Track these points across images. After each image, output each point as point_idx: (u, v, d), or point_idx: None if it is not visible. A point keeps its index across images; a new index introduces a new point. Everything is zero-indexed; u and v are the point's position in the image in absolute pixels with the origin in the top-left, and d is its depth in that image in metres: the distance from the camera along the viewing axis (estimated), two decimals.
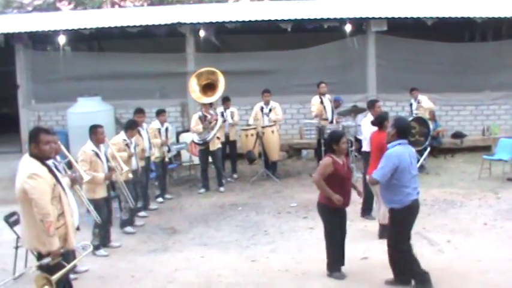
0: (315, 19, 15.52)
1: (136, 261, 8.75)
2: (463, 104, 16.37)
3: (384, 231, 8.90)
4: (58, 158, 7.05)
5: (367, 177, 8.19)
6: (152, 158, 11.95)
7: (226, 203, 11.98)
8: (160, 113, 12.48)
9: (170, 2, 27.34)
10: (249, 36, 17.33)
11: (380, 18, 15.46)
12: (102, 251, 9.03)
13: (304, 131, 16.10)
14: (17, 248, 8.09)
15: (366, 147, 10.07)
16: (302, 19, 15.51)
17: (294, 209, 11.28)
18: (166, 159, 12.64)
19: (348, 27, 15.67)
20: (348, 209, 7.88)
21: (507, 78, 16.02)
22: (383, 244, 7.38)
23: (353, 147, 13.04)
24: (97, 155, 9.03)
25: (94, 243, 8.58)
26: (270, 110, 13.91)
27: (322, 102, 14.05)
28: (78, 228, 6.76)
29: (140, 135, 11.22)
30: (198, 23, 15.69)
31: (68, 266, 5.92)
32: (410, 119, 13.43)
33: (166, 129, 12.49)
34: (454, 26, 16.49)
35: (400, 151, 6.81)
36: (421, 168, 13.51)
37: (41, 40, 17.14)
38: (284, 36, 16.49)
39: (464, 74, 15.86)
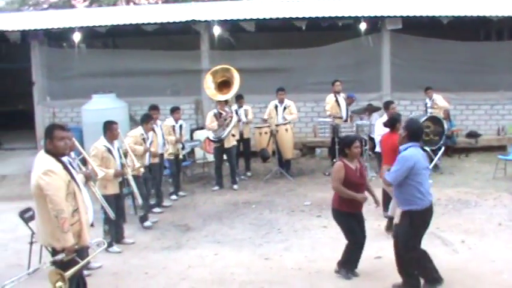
0: (330, 17, 15.47)
1: (150, 258, 8.78)
2: (478, 103, 16.27)
3: (390, 225, 8.99)
4: (72, 154, 7.08)
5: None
6: (166, 155, 11.98)
7: (239, 201, 11.98)
8: (174, 110, 12.50)
9: (185, 0, 27.40)
10: (264, 34, 17.31)
11: (395, 16, 15.40)
12: (115, 248, 9.07)
13: (318, 129, 16.03)
14: (31, 243, 8.16)
15: (378, 147, 10.09)
16: (317, 17, 15.47)
17: (307, 207, 11.26)
18: (180, 157, 12.66)
19: (363, 26, 15.59)
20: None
21: None
22: None
23: (367, 146, 13.01)
24: (109, 151, 9.07)
25: (106, 240, 8.61)
26: (285, 108, 13.89)
27: (336, 100, 14.05)
28: (92, 225, 6.80)
29: (154, 131, 11.26)
30: (213, 21, 15.68)
31: (82, 263, 5.94)
32: (425, 118, 13.37)
33: (181, 127, 12.52)
34: (470, 24, 16.41)
35: (414, 152, 6.75)
36: (436, 167, 13.48)
37: (56, 37, 17.23)
38: (299, 34, 16.45)
39: (479, 73, 15.74)
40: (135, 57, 16.72)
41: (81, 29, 15.83)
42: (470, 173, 13.67)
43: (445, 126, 13.71)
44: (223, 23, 15.72)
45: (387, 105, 11.01)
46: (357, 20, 15.53)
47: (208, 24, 15.85)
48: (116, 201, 9.06)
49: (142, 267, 8.39)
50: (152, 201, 11.21)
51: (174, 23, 15.67)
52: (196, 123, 16.44)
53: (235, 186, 13.04)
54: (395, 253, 7.06)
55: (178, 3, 22.43)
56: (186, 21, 15.66)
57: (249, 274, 7.93)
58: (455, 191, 12.00)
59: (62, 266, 5.68)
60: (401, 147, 6.91)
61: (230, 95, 13.09)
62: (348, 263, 7.64)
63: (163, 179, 12.13)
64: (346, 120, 13.93)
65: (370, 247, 8.31)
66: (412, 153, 6.74)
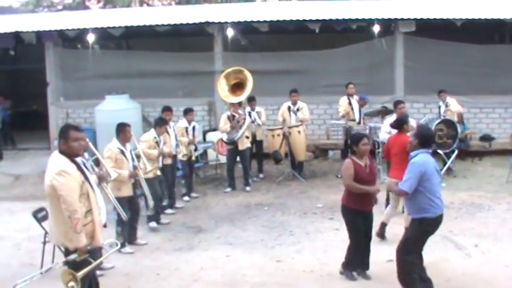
0: (343, 19, 15.44)
1: (162, 259, 8.80)
2: (492, 106, 16.16)
3: (382, 231, 8.96)
4: (86, 155, 7.10)
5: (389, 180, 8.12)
6: (179, 156, 12.00)
7: (252, 203, 11.98)
8: (187, 112, 12.51)
9: (198, 1, 27.47)
10: (277, 35, 17.31)
11: (408, 19, 15.32)
12: (127, 249, 9.09)
13: (331, 132, 16.00)
14: (44, 243, 8.20)
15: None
16: (330, 19, 15.45)
17: (319, 209, 11.24)
18: (193, 158, 12.68)
19: (376, 28, 15.57)
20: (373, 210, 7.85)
21: None
22: None
23: (380, 149, 12.96)
24: (122, 153, 9.09)
25: (118, 241, 8.63)
26: (298, 110, 13.88)
27: (350, 103, 14.01)
28: (105, 226, 6.81)
29: (167, 133, 11.29)
30: (226, 22, 15.70)
31: (94, 263, 5.95)
32: (438, 121, 13.31)
33: (194, 128, 12.53)
34: (484, 27, 16.31)
35: (425, 158, 6.68)
36: (449, 171, 13.43)
37: (70, 38, 17.31)
38: (312, 36, 16.45)
39: (493, 76, 15.64)
40: (148, 59, 16.78)
41: (95, 30, 15.91)
42: (484, 176, 13.60)
43: (459, 129, 13.62)
44: (236, 24, 15.72)
45: (396, 105, 11.02)
46: (371, 22, 15.49)
47: (221, 25, 15.87)
48: (129, 203, 9.09)
49: (154, 268, 8.40)
50: (164, 203, 11.23)
51: (187, 24, 15.68)
52: (209, 124, 16.46)
53: (247, 188, 13.04)
54: (396, 259, 7.01)
55: (192, 5, 22.53)
56: (200, 23, 15.68)
57: (261, 276, 7.93)
58: (468, 194, 11.94)
59: (75, 266, 5.70)
60: (412, 154, 6.86)
61: (243, 96, 13.09)
62: (351, 264, 7.65)
63: (175, 180, 12.12)
64: (359, 123, 13.89)
65: (382, 250, 8.31)
66: (423, 159, 6.67)
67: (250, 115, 13.67)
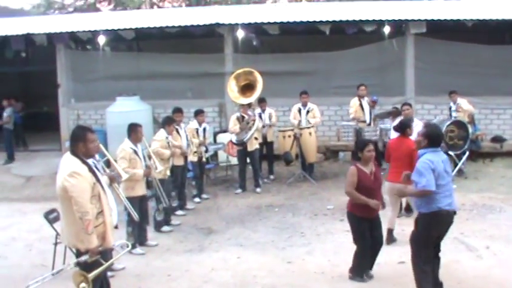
0: (354, 21, 15.42)
1: (173, 261, 8.81)
2: (503, 107, 16.06)
3: (390, 236, 8.92)
4: (97, 156, 7.13)
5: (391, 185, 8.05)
6: (190, 158, 12.00)
7: (262, 204, 11.98)
8: (198, 113, 12.53)
9: (208, 3, 27.51)
10: (287, 37, 17.30)
11: (419, 20, 15.28)
12: (138, 250, 9.11)
13: (341, 133, 15.96)
14: (56, 244, 8.22)
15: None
16: (340, 21, 15.43)
17: (330, 211, 11.23)
18: (204, 159, 12.69)
19: (387, 29, 15.53)
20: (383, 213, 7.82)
21: None
22: None
23: None
24: (135, 152, 9.13)
25: (129, 242, 8.65)
26: (308, 112, 13.87)
27: (360, 104, 13.98)
28: (116, 227, 6.84)
29: (179, 134, 11.32)
30: (237, 24, 15.71)
31: (105, 265, 5.98)
32: (449, 122, 13.27)
33: (204, 130, 12.55)
34: (495, 27, 16.24)
35: (432, 157, 6.62)
36: (460, 172, 13.39)
37: (81, 40, 17.38)
38: (322, 38, 16.40)
39: (504, 76, 15.54)
40: (158, 61, 16.85)
41: (105, 32, 15.97)
42: (495, 178, 13.54)
43: (470, 130, 13.58)
44: (246, 26, 15.72)
45: (401, 107, 11.01)
46: (381, 23, 15.46)
47: (232, 27, 15.88)
48: (140, 203, 9.12)
49: (165, 269, 8.42)
50: (174, 204, 11.25)
51: (197, 26, 15.69)
52: (219, 126, 16.46)
53: (258, 190, 13.05)
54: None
55: (202, 7, 22.56)
56: (210, 24, 15.69)
57: (272, 277, 7.93)
58: (479, 196, 11.89)
59: (86, 267, 5.73)
60: (420, 152, 6.82)
61: (253, 98, 13.11)
62: (358, 269, 7.62)
63: (186, 181, 12.13)
64: (369, 124, 13.86)
65: (393, 252, 8.29)
66: (431, 158, 6.62)
67: (260, 116, 13.68)
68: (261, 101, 13.90)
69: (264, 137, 13.90)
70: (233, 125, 12.98)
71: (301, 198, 12.37)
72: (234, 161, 13.82)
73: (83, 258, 5.78)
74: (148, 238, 9.62)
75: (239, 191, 13.07)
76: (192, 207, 11.96)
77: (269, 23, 15.70)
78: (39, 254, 9.21)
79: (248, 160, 13.18)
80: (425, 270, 6.75)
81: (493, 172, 14.10)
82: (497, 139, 15.65)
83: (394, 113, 13.64)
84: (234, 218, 11.08)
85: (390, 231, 8.96)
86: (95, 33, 16.06)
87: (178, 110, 11.68)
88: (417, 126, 9.65)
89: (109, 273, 7.04)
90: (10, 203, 13.03)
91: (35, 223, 10.47)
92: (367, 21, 15.43)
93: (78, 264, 5.84)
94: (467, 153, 13.62)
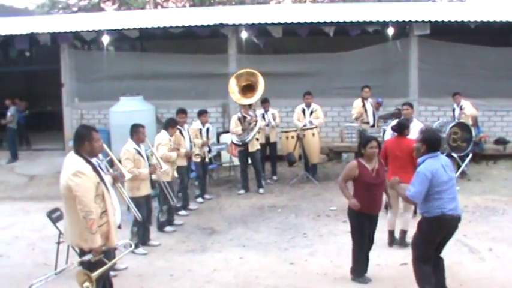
0: (358, 22, 15.42)
1: (175, 261, 8.81)
2: (507, 109, 16.04)
3: (392, 238, 8.91)
4: (100, 156, 7.15)
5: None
6: (193, 158, 12.00)
7: (265, 205, 11.98)
8: (202, 113, 12.52)
9: (212, 3, 27.53)
10: (291, 37, 17.31)
11: (423, 21, 15.28)
12: (141, 249, 9.11)
13: (344, 134, 16.00)
14: (58, 243, 8.23)
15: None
16: (344, 22, 15.43)
17: (333, 212, 11.22)
18: (207, 160, 12.70)
19: (391, 31, 15.53)
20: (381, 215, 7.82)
21: None
22: None
23: None
24: (139, 153, 9.13)
25: (133, 242, 8.66)
26: (312, 112, 13.86)
27: (364, 105, 13.95)
28: (119, 227, 6.85)
29: (182, 135, 11.33)
30: (240, 25, 15.72)
31: (109, 264, 6.00)
32: (453, 124, 13.25)
33: (208, 130, 12.54)
34: (498, 29, 16.24)
35: (432, 164, 6.58)
36: (463, 174, 13.36)
37: (85, 40, 17.41)
38: (326, 39, 16.40)
39: (508, 79, 15.52)
40: (162, 61, 16.87)
41: (109, 32, 15.99)
42: (498, 180, 13.53)
43: (473, 132, 13.55)
44: (250, 27, 15.73)
45: (402, 106, 10.96)
46: (385, 25, 15.45)
47: (235, 28, 15.89)
48: (146, 203, 9.15)
49: (167, 269, 8.42)
50: (178, 204, 11.27)
51: (201, 26, 15.70)
52: (223, 126, 16.47)
53: (261, 190, 13.05)
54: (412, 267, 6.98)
55: (206, 7, 22.57)
56: (214, 25, 15.70)
57: (274, 278, 7.92)
58: (482, 198, 11.88)
59: (89, 266, 5.74)
60: (419, 160, 6.78)
61: (254, 99, 13.08)
62: (358, 268, 7.63)
63: (189, 182, 12.13)
64: (373, 126, 13.83)
65: (396, 254, 8.29)
66: (430, 165, 6.57)
67: (264, 117, 13.69)
68: (264, 102, 13.90)
69: (267, 138, 13.90)
70: (234, 125, 12.98)
71: (304, 199, 12.37)
72: (237, 161, 13.79)
73: (87, 257, 5.79)
74: (151, 238, 9.62)
75: (242, 191, 13.08)
76: (195, 207, 11.96)
77: (273, 23, 15.70)
78: (42, 253, 9.23)
79: (250, 161, 13.17)
80: (426, 271, 6.74)
81: (496, 174, 14.09)
82: (500, 141, 15.63)
83: (397, 115, 13.62)
84: (236, 219, 11.08)
85: (391, 233, 8.95)
86: (99, 33, 16.08)
87: (182, 111, 11.67)
88: (416, 127, 9.63)
89: (111, 273, 7.06)
90: (13, 202, 13.06)
91: (38, 222, 10.49)
92: (371, 22, 15.43)
93: (81, 263, 5.86)
94: (471, 155, 13.60)
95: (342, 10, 17.13)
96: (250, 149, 12.92)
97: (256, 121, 12.90)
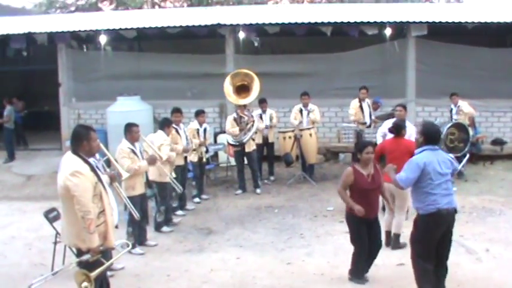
0: (355, 23, 15.42)
1: (172, 261, 8.81)
2: (504, 110, 16.07)
3: (389, 239, 8.91)
4: (97, 156, 7.14)
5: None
6: (190, 158, 12.01)
7: (262, 205, 11.98)
8: (199, 113, 12.50)
9: (210, 4, 27.53)
10: (288, 38, 17.31)
11: (420, 22, 15.30)
12: (138, 250, 9.10)
13: (342, 135, 16.01)
14: (55, 243, 8.22)
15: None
16: (342, 22, 15.44)
17: (330, 212, 11.23)
18: (204, 160, 12.68)
19: (388, 31, 15.54)
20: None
21: None
22: None
23: None
24: (133, 152, 9.11)
25: (129, 242, 8.65)
26: (309, 113, 13.85)
27: (360, 106, 13.95)
28: (116, 227, 6.85)
29: (178, 134, 11.32)
30: (238, 25, 15.72)
31: (107, 264, 6.00)
32: (450, 124, 13.27)
33: (205, 130, 12.52)
34: (495, 30, 16.26)
35: (426, 155, 6.62)
36: (460, 174, 13.36)
37: (82, 39, 17.39)
38: (324, 39, 16.42)
39: (505, 79, 15.56)
40: (160, 61, 16.87)
41: (107, 32, 15.98)
42: (495, 180, 13.55)
43: (470, 133, 13.58)
44: (248, 27, 15.72)
45: (395, 108, 10.93)
46: (383, 25, 15.46)
47: (233, 28, 15.88)
48: (141, 202, 9.13)
49: (164, 269, 8.42)
50: (175, 204, 11.27)
51: (199, 26, 15.70)
52: (220, 126, 16.45)
53: (258, 190, 13.05)
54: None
55: (204, 7, 22.57)
56: (211, 25, 15.69)
57: (271, 279, 7.92)
58: (479, 198, 11.90)
59: (87, 266, 5.74)
60: (416, 151, 6.84)
61: (249, 100, 13.05)
62: (356, 271, 7.62)
63: (186, 182, 12.12)
64: (369, 126, 13.84)
65: (392, 254, 8.29)
66: (424, 156, 6.61)
67: (261, 117, 13.69)
68: (262, 102, 13.91)
69: (265, 138, 13.91)
70: (230, 126, 12.96)
71: (301, 199, 12.37)
72: (234, 161, 13.80)
73: (85, 257, 5.79)
74: (148, 238, 9.61)
75: (239, 191, 13.07)
76: (192, 207, 11.96)
77: (270, 24, 15.70)
78: (39, 253, 9.21)
79: (246, 161, 13.17)
80: (426, 269, 6.74)
81: (493, 175, 14.11)
82: (497, 142, 15.66)
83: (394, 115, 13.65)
84: (233, 219, 11.08)
85: (388, 234, 8.95)
86: (96, 33, 16.07)
87: (177, 111, 11.64)
88: (408, 128, 9.61)
89: (108, 273, 7.04)
90: (10, 201, 13.03)
91: (35, 222, 10.48)
92: (369, 23, 15.42)
93: (80, 263, 5.85)
94: (468, 155, 13.62)
95: (339, 10, 17.13)
96: (247, 149, 12.91)
97: (253, 121, 12.89)
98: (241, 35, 15.83)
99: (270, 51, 18.18)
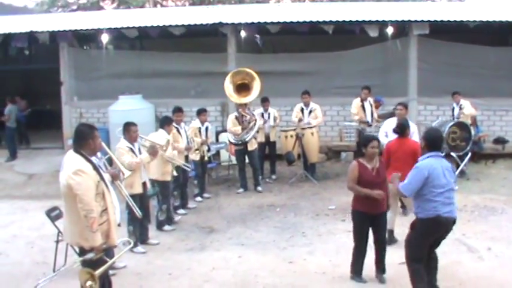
0: (357, 21, 15.41)
1: (174, 259, 8.81)
2: (506, 109, 16.05)
3: (391, 237, 8.88)
4: (99, 154, 7.14)
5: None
6: (191, 157, 12.00)
7: (264, 204, 11.98)
8: (201, 112, 12.50)
9: (211, 2, 27.52)
10: (290, 36, 17.31)
11: (422, 21, 15.28)
12: (139, 248, 9.10)
13: (343, 133, 16.01)
14: (57, 242, 8.23)
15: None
16: (343, 21, 15.42)
17: (332, 211, 11.23)
18: (206, 159, 12.68)
19: (390, 30, 15.52)
20: None
21: None
22: None
23: None
24: (132, 151, 9.09)
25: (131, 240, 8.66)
26: (310, 112, 13.85)
27: (362, 105, 13.94)
28: (119, 225, 6.86)
29: (179, 133, 11.32)
30: (240, 24, 15.71)
31: (110, 262, 6.02)
32: (452, 123, 13.26)
33: (207, 129, 12.52)
34: (498, 29, 16.24)
35: (431, 163, 6.62)
36: (462, 173, 13.36)
37: (84, 38, 17.39)
38: (325, 38, 16.42)
39: (507, 78, 15.52)
40: (161, 59, 16.86)
41: (109, 30, 15.98)
42: (497, 179, 13.53)
43: (472, 132, 13.55)
44: (249, 25, 15.72)
45: (396, 107, 10.89)
46: (384, 24, 15.44)
47: (235, 27, 15.88)
48: (140, 202, 9.11)
49: (166, 268, 8.42)
50: (176, 203, 11.27)
51: (201, 25, 15.70)
52: (221, 125, 16.45)
53: (259, 188, 13.06)
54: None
55: (206, 6, 22.57)
56: (213, 24, 15.70)
57: (273, 277, 7.93)
58: (481, 197, 11.88)
59: (91, 265, 5.75)
60: (420, 158, 6.85)
61: (249, 99, 13.06)
62: (355, 266, 7.63)
63: (188, 180, 12.11)
64: (371, 125, 13.83)
65: (394, 253, 8.27)
66: (428, 163, 6.62)
67: (263, 116, 13.69)
68: (265, 101, 13.90)
69: (267, 137, 13.90)
70: (232, 125, 12.97)
71: (303, 198, 12.36)
72: (236, 160, 13.80)
73: (89, 255, 5.80)
74: (150, 237, 9.62)
75: (241, 190, 13.07)
76: (194, 206, 11.96)
77: (272, 22, 15.69)
78: (41, 251, 9.22)
79: (247, 160, 13.18)
80: (419, 269, 6.77)
81: (495, 173, 14.09)
82: (499, 140, 15.63)
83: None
84: (235, 218, 11.08)
85: (391, 232, 8.94)
86: (98, 32, 16.07)
87: (178, 110, 11.59)
88: (411, 127, 9.59)
89: (110, 272, 7.05)
90: (12, 200, 13.04)
91: (37, 221, 10.49)
92: (370, 21, 15.40)
93: (83, 262, 5.86)
94: (470, 154, 13.61)
95: (341, 9, 17.11)
96: (249, 148, 12.92)
97: (255, 120, 12.90)
98: (243, 33, 15.82)
99: (271, 49, 18.16)
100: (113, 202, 6.23)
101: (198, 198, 12.41)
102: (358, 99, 13.99)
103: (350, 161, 14.85)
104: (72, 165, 5.83)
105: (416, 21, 15.34)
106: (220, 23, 15.71)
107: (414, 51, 15.85)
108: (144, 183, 9.29)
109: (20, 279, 8.00)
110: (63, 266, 8.15)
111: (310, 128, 13.58)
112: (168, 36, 16.72)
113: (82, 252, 5.96)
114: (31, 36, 16.44)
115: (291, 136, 13.61)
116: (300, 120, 13.72)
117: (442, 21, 15.17)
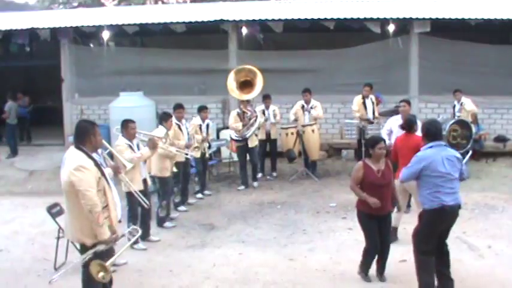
0: (358, 19, 15.39)
1: (175, 256, 8.82)
2: (507, 107, 16.03)
3: (395, 236, 8.88)
4: (99, 150, 7.15)
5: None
6: (191, 153, 11.97)
7: (265, 201, 11.98)
8: (202, 109, 12.50)
9: None
10: (292, 34, 17.29)
11: (424, 19, 15.26)
12: (140, 245, 9.10)
13: (344, 131, 15.95)
14: (58, 238, 8.24)
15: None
16: (345, 18, 15.40)
17: (332, 209, 11.23)
18: (207, 156, 12.69)
19: (391, 28, 15.50)
20: None
21: None
22: None
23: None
24: (131, 147, 9.08)
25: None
26: (311, 108, 13.83)
27: (364, 102, 13.93)
28: (119, 221, 6.87)
29: (180, 130, 11.31)
30: (241, 20, 15.70)
31: (121, 250, 6.21)
32: (453, 121, 13.25)
33: (207, 126, 12.53)
34: (499, 27, 16.22)
35: (430, 153, 6.67)
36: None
37: (85, 35, 17.39)
38: (327, 35, 16.40)
39: (508, 76, 15.50)
40: (162, 56, 16.85)
41: (110, 27, 15.96)
42: (498, 177, 13.52)
43: (473, 130, 13.53)
44: (251, 22, 15.71)
45: (399, 103, 10.89)
46: (386, 22, 15.42)
47: (236, 23, 15.87)
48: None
49: (166, 265, 8.43)
50: (177, 200, 11.28)
51: (202, 22, 15.69)
52: (222, 122, 16.45)
53: (255, 184, 13.16)
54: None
55: (207, 3, 22.54)
56: (215, 21, 15.69)
57: (273, 274, 7.93)
58: (482, 195, 11.88)
59: (101, 257, 5.83)
60: (422, 148, 6.88)
61: (252, 95, 13.08)
62: (364, 266, 7.62)
63: (189, 177, 12.11)
64: (372, 122, 13.82)
65: (395, 250, 8.26)
66: (429, 153, 6.68)
67: (264, 113, 13.70)
68: (266, 98, 13.90)
69: (268, 134, 13.91)
70: (234, 121, 12.99)
71: (303, 195, 12.37)
72: (237, 157, 13.80)
73: (100, 248, 5.84)
74: (151, 233, 9.62)
75: (242, 187, 13.09)
76: (193, 201, 11.99)
77: (273, 19, 15.68)
78: (42, 248, 9.23)
79: (248, 156, 13.19)
80: (426, 262, 6.79)
81: (495, 172, 14.08)
82: (500, 139, 15.61)
83: (397, 112, 13.62)
84: (236, 215, 11.09)
85: (395, 230, 8.93)
86: (99, 28, 16.05)
87: (179, 106, 11.61)
88: None
89: (111, 268, 7.06)
90: (13, 197, 13.07)
91: (38, 217, 10.49)
92: (372, 19, 15.38)
93: (95, 254, 5.87)
94: (470, 152, 13.56)
95: (342, 6, 17.09)
96: (250, 145, 12.95)
97: (256, 116, 12.91)
98: (244, 30, 15.81)
99: (273, 47, 18.15)
100: (114, 199, 6.25)
101: (199, 195, 12.42)
102: (360, 96, 13.99)
103: (351, 159, 15.04)
104: (73, 161, 5.84)
105: (417, 19, 15.32)
106: (222, 20, 15.71)
107: (415, 49, 15.83)
108: (144, 180, 9.28)
109: (20, 275, 8.01)
110: (62, 262, 8.17)
111: (311, 124, 13.58)
112: (169, 33, 16.72)
113: (83, 248, 5.97)
114: (32, 33, 16.44)
115: (292, 133, 13.62)
116: (296, 121, 13.74)
117: (443, 19, 15.14)
